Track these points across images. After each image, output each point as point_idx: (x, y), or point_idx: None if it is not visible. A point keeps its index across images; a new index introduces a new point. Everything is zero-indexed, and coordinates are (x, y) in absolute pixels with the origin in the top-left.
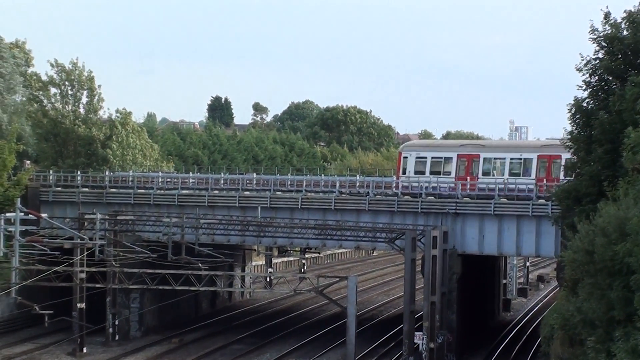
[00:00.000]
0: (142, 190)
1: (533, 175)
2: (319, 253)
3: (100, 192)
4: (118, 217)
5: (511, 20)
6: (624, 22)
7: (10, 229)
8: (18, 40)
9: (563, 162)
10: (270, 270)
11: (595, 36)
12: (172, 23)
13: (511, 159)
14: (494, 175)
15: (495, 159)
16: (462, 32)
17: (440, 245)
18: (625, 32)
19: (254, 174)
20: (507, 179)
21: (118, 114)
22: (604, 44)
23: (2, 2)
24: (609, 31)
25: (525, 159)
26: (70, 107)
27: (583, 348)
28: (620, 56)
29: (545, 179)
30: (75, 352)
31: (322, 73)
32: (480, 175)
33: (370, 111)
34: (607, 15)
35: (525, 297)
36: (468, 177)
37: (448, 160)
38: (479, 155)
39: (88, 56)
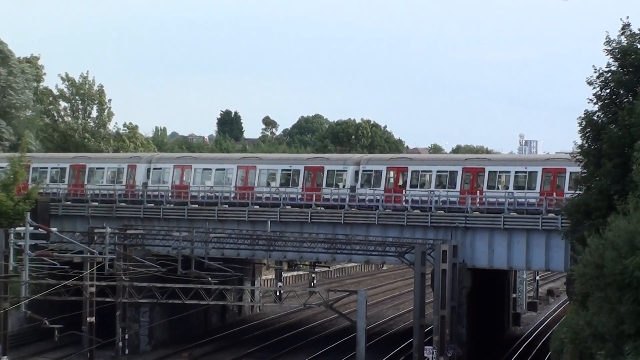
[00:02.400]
0: (152, 205)
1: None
2: (329, 267)
3: (110, 206)
4: (128, 231)
5: (521, 36)
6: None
7: (20, 243)
8: (32, 56)
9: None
10: (280, 284)
11: (610, 48)
12: (181, 37)
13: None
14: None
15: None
16: (473, 47)
17: (449, 259)
18: (639, 45)
19: (264, 188)
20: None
21: (125, 128)
22: (618, 56)
23: (14, 16)
24: (625, 43)
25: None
26: (80, 120)
27: None
28: (632, 69)
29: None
30: None
31: (331, 87)
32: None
33: (385, 126)
34: (625, 26)
35: (535, 311)
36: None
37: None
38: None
39: (98, 70)
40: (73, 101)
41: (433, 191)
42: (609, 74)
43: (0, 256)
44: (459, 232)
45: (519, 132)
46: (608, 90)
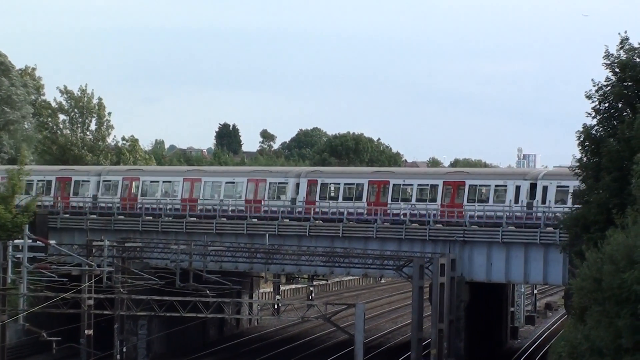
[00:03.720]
0: (150, 217)
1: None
2: (327, 280)
3: (109, 219)
4: (126, 244)
5: (520, 49)
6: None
7: (18, 256)
8: (28, 67)
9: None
10: (278, 297)
11: (609, 62)
12: (180, 50)
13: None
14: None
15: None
16: (471, 60)
17: (448, 273)
18: (638, 59)
19: (263, 201)
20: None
21: (125, 141)
22: (617, 69)
23: (11, 29)
24: (624, 57)
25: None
26: (78, 134)
27: None
28: (631, 83)
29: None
30: None
31: (330, 101)
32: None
33: (379, 139)
34: (623, 41)
35: (532, 324)
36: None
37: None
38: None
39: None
40: (72, 114)
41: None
42: (608, 87)
43: None
44: (457, 246)
45: (518, 145)
46: (607, 104)
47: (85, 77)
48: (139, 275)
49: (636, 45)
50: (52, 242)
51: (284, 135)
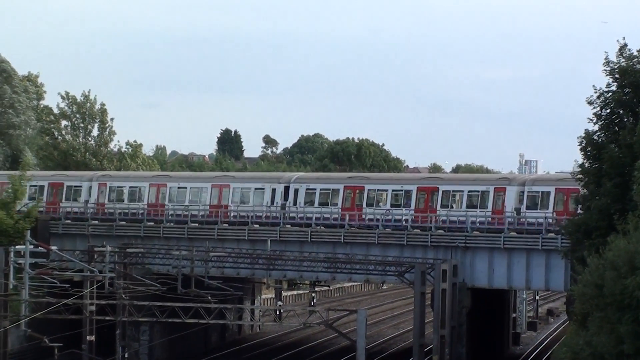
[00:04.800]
0: (152, 223)
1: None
2: (329, 286)
3: (110, 224)
4: (128, 250)
5: (521, 55)
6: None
7: (20, 261)
8: (31, 74)
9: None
10: (279, 303)
11: (609, 68)
12: (181, 55)
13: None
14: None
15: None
16: (473, 66)
17: (449, 279)
18: (638, 65)
19: (264, 207)
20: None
21: (128, 147)
22: (617, 76)
23: (13, 35)
24: (623, 63)
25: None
26: (80, 139)
27: None
28: (632, 89)
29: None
30: None
31: (332, 106)
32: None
33: (383, 145)
34: (622, 47)
35: (534, 330)
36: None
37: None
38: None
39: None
40: (74, 119)
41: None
42: (609, 93)
43: (0, 274)
44: (459, 252)
45: (519, 151)
46: (608, 110)
47: (86, 83)
48: (141, 281)
49: (635, 52)
50: (54, 247)
51: (286, 140)
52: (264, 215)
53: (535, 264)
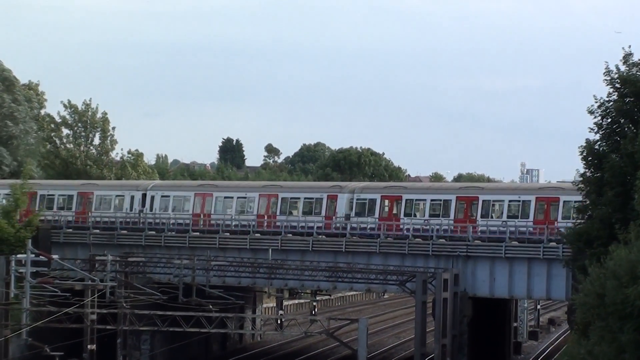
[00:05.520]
0: (153, 232)
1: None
2: (330, 295)
3: (112, 233)
4: (129, 259)
5: (522, 65)
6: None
7: (21, 270)
8: (31, 82)
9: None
10: (281, 312)
11: (609, 78)
12: (183, 64)
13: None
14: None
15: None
16: (474, 75)
17: (451, 288)
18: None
19: (265, 216)
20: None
21: (129, 155)
22: (617, 85)
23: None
24: (625, 72)
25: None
26: (82, 148)
27: None
28: (632, 98)
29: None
30: None
31: (334, 115)
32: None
33: (383, 153)
34: (627, 55)
35: (536, 340)
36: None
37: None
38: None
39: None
40: (75, 128)
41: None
42: (610, 103)
43: (1, 283)
44: (460, 261)
45: (521, 160)
46: (609, 120)
47: (87, 91)
48: (142, 290)
49: (636, 61)
50: (55, 256)
51: (288, 150)
52: (124, 220)
53: (537, 273)
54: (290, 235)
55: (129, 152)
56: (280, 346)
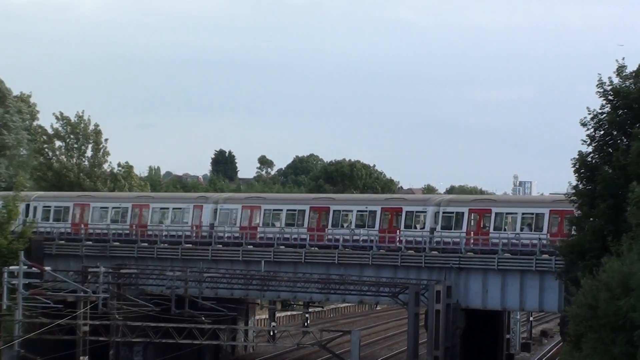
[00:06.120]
0: (146, 244)
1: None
2: (322, 307)
3: (104, 245)
4: (121, 271)
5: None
6: (632, 77)
7: (13, 282)
8: (23, 94)
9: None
10: (273, 324)
11: (602, 90)
12: (175, 76)
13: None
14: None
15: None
16: (466, 88)
17: (443, 300)
18: (632, 86)
19: (258, 228)
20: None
21: (120, 168)
22: (610, 97)
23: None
24: (618, 84)
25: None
26: (74, 160)
27: None
28: (625, 110)
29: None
30: None
31: (327, 128)
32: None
33: (374, 165)
34: (620, 68)
35: (528, 352)
36: None
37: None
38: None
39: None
40: (68, 140)
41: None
42: (603, 115)
43: None
44: (453, 273)
45: (514, 172)
46: (602, 132)
47: (79, 103)
48: (135, 301)
49: (628, 73)
50: (48, 268)
51: (280, 161)
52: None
53: (529, 285)
54: (283, 247)
55: (119, 165)
56: (273, 358)
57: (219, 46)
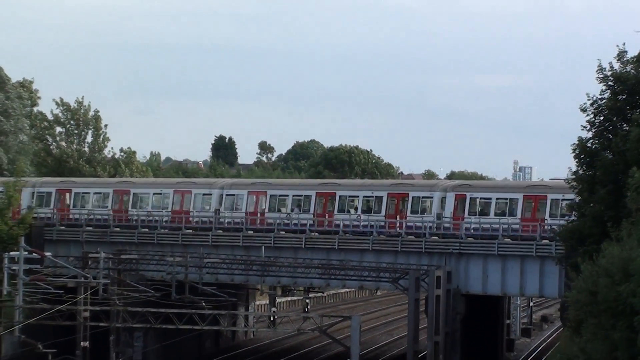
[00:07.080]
0: (146, 230)
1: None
2: (323, 293)
3: (104, 231)
4: (122, 256)
5: (515, 62)
6: (632, 62)
7: (14, 268)
8: (25, 80)
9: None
10: (273, 309)
11: (602, 75)
12: (176, 62)
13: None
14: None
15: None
16: (467, 74)
17: (443, 285)
18: (633, 72)
19: (258, 214)
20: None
21: (122, 154)
22: (610, 83)
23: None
24: (619, 70)
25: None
26: (74, 146)
27: None
28: (625, 95)
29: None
30: None
31: (327, 113)
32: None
33: (371, 150)
34: (621, 53)
35: (528, 337)
36: None
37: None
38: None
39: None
40: (68, 126)
41: None
42: (603, 101)
43: None
44: (453, 258)
45: (514, 158)
46: (602, 117)
47: (80, 89)
48: (135, 287)
49: (629, 58)
50: (48, 254)
51: (281, 147)
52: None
53: (530, 270)
54: (283, 232)
55: (121, 150)
56: (273, 343)
57: (219, 32)
